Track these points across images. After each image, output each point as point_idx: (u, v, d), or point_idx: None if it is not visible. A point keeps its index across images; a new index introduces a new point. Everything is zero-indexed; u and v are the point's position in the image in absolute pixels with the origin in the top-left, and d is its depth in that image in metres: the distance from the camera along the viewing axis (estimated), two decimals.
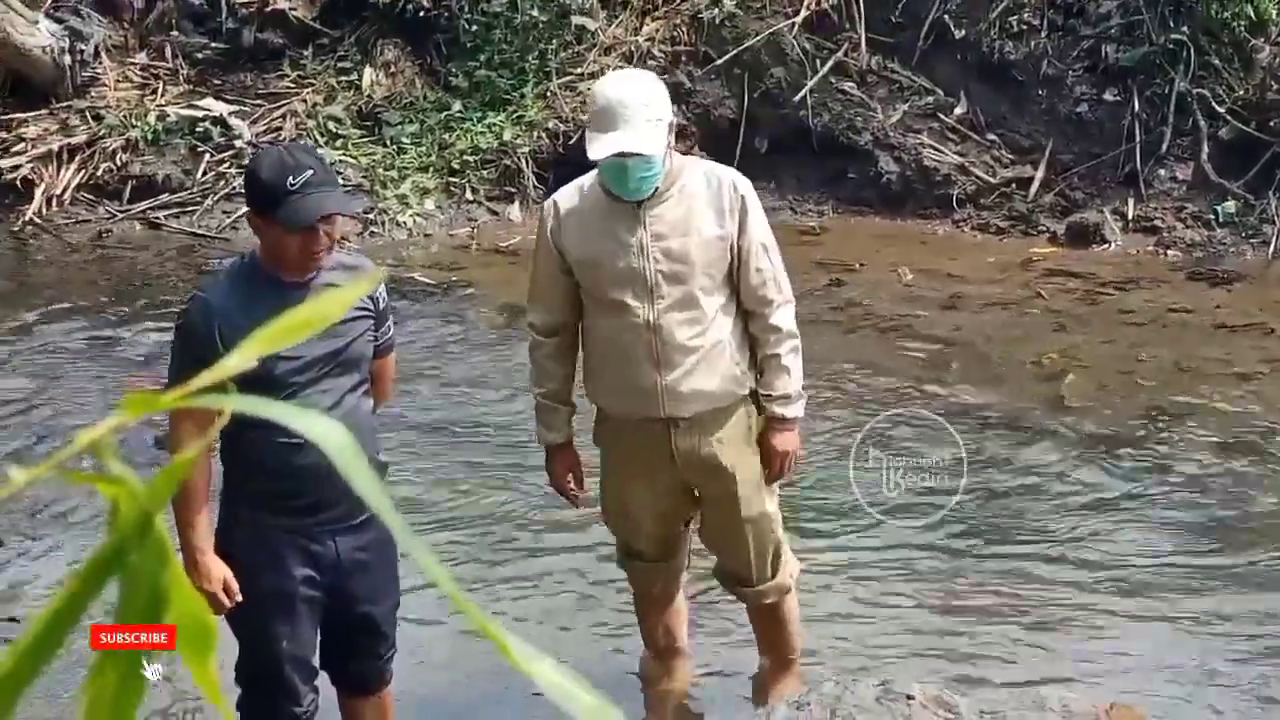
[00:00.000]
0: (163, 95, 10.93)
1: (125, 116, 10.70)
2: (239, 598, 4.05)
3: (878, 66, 10.52)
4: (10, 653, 0.86)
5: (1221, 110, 9.77)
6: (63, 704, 4.57)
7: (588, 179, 4.59)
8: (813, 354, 5.33)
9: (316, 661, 4.31)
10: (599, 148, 4.35)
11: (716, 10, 10.48)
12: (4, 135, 10.74)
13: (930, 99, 10.39)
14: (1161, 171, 9.87)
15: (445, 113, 10.64)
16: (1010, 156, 10.22)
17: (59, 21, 10.97)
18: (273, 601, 4.13)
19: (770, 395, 4.59)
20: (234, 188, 10.04)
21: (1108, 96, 10.13)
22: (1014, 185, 10.10)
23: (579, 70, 10.54)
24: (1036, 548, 6.10)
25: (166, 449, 5.75)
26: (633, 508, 4.78)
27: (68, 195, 10.47)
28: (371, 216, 10.06)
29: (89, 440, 0.86)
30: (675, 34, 10.61)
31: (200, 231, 10.22)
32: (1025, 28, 10.35)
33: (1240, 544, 6.08)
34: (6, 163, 10.54)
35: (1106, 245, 9.61)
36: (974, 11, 10.40)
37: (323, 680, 4.34)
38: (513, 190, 10.36)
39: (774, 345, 4.57)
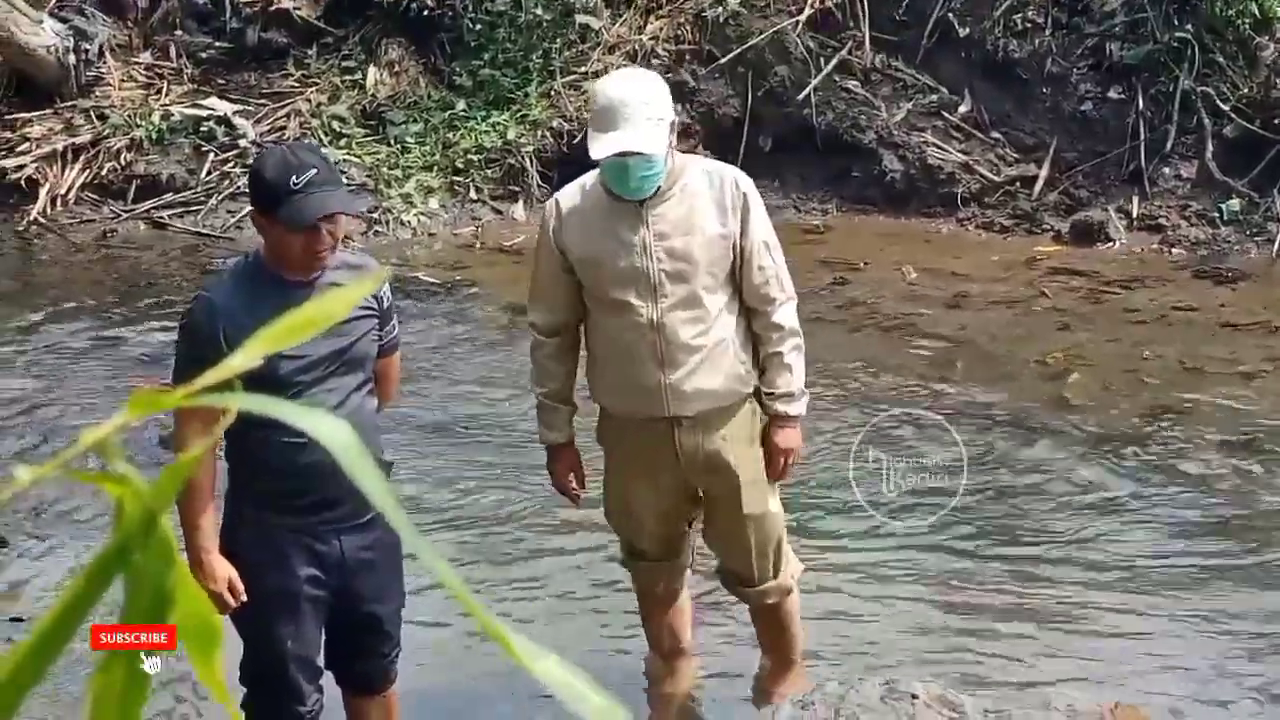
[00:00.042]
0: (167, 95, 10.94)
1: (130, 116, 10.70)
2: (244, 597, 4.05)
3: (882, 65, 10.51)
4: (15, 652, 0.86)
5: (1226, 108, 9.77)
6: (63, 704, 4.57)
7: (589, 178, 4.59)
8: (816, 353, 5.34)
9: (321, 661, 4.31)
10: (600, 147, 4.35)
11: (720, 9, 10.48)
12: (9, 135, 10.74)
13: (934, 97, 10.38)
14: (1166, 169, 9.87)
15: (449, 112, 10.65)
16: (1014, 155, 10.22)
17: (63, 21, 10.98)
18: (277, 601, 4.13)
19: (773, 393, 4.60)
20: (238, 187, 10.05)
21: (1112, 94, 10.13)
22: (1018, 184, 10.09)
23: (583, 69, 10.54)
24: (1041, 547, 6.10)
25: (171, 448, 5.76)
26: (636, 507, 4.78)
27: (72, 195, 10.47)
28: (376, 216, 10.07)
29: (94, 440, 0.86)
30: (679, 32, 10.60)
31: (204, 231, 10.22)
32: (1029, 26, 10.34)
33: (1245, 542, 6.07)
34: (11, 162, 10.55)
35: (1111, 244, 9.60)
36: (978, 9, 10.39)
37: (328, 680, 4.34)
38: (517, 189, 10.36)
39: (776, 343, 4.57)
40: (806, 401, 4.70)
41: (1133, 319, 8.50)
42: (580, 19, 10.71)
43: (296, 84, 10.97)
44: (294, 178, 3.91)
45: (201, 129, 10.64)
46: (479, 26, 10.83)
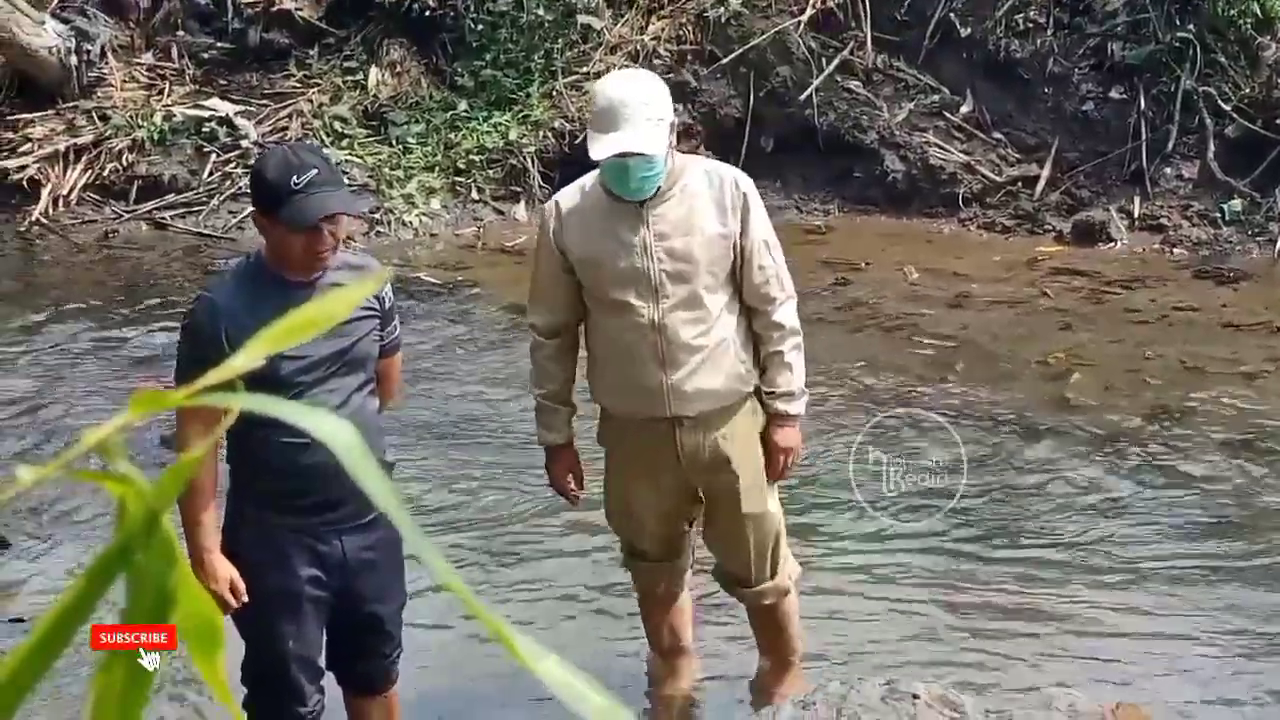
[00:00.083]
0: (169, 95, 10.94)
1: (131, 117, 10.71)
2: (245, 597, 4.05)
3: (883, 65, 10.51)
4: (16, 652, 0.86)
5: (1228, 108, 9.76)
6: (64, 704, 4.57)
7: (589, 179, 4.58)
8: (818, 353, 5.34)
9: (323, 661, 4.31)
10: (600, 148, 4.35)
11: (722, 9, 10.48)
12: (10, 136, 10.75)
13: (936, 97, 10.39)
14: (1167, 170, 9.87)
15: (451, 112, 10.65)
16: (1016, 155, 10.22)
17: (65, 22, 10.98)
18: (279, 601, 4.13)
19: (773, 392, 4.60)
20: (240, 188, 10.06)
21: (1114, 94, 10.13)
22: (1020, 184, 10.09)
23: (585, 69, 10.54)
24: (1042, 547, 6.09)
25: (173, 448, 5.76)
26: (637, 507, 4.77)
27: (74, 195, 10.48)
28: (377, 216, 10.07)
29: (96, 439, 0.86)
30: (681, 33, 10.61)
31: (206, 231, 10.22)
32: (1031, 26, 10.34)
33: (1247, 542, 6.07)
34: (13, 163, 10.55)
35: (1112, 244, 9.60)
36: (980, 10, 10.39)
37: (329, 680, 4.34)
38: (518, 190, 10.36)
39: (777, 342, 4.57)
40: (807, 401, 4.71)
41: (1134, 319, 8.50)
42: (582, 19, 10.71)
43: (298, 84, 10.97)
44: (295, 178, 3.92)
45: (203, 130, 10.64)
46: (480, 27, 10.84)
